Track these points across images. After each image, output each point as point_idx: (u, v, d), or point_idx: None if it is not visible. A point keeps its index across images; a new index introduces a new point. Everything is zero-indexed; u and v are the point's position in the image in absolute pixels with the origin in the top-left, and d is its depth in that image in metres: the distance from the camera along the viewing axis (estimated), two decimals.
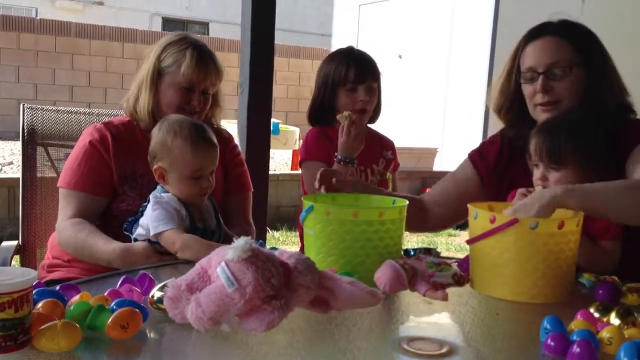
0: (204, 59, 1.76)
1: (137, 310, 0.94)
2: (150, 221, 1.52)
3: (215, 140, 1.62)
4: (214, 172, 1.62)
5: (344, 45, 2.12)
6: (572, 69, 1.57)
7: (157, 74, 1.77)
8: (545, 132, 1.50)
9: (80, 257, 1.67)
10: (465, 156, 1.88)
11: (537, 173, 1.53)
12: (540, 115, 1.62)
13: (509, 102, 1.72)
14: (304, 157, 2.07)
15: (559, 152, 1.47)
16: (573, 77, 1.58)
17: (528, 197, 1.32)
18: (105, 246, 1.59)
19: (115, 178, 1.72)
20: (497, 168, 1.78)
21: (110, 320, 0.91)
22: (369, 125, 2.17)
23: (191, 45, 1.77)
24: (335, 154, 1.92)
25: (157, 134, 1.59)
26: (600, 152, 1.49)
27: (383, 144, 2.21)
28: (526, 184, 1.54)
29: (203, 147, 1.57)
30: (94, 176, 1.71)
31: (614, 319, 1.02)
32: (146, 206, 1.58)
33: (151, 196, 1.58)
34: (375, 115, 2.14)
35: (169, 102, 1.76)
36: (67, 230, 1.67)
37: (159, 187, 1.60)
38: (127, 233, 1.62)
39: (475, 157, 1.84)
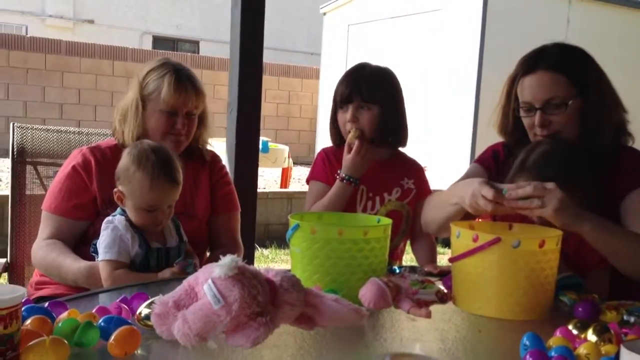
0: (183, 83, 1.77)
1: (136, 329, 0.95)
2: (99, 246, 1.56)
3: (180, 177, 1.61)
4: (173, 205, 1.62)
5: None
6: (567, 104, 1.58)
7: (142, 102, 1.79)
8: (536, 170, 1.50)
9: (52, 276, 1.71)
10: (466, 167, 1.85)
11: None
12: None
13: (512, 125, 1.73)
14: (308, 176, 2.03)
15: None
16: (569, 110, 1.58)
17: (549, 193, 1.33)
18: (72, 265, 1.62)
19: (99, 201, 1.74)
20: (497, 176, 1.77)
21: (113, 338, 0.93)
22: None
23: (169, 70, 1.78)
24: (338, 171, 1.85)
25: (124, 157, 1.60)
26: (585, 189, 1.50)
27: (406, 171, 1.99)
28: None
29: (162, 184, 1.56)
30: (73, 200, 1.73)
31: (591, 336, 1.05)
32: None
33: (105, 219, 1.59)
34: (394, 138, 1.95)
35: (155, 128, 1.78)
36: (40, 250, 1.71)
37: (119, 208, 1.61)
38: (93, 254, 1.64)
39: (485, 162, 1.81)
